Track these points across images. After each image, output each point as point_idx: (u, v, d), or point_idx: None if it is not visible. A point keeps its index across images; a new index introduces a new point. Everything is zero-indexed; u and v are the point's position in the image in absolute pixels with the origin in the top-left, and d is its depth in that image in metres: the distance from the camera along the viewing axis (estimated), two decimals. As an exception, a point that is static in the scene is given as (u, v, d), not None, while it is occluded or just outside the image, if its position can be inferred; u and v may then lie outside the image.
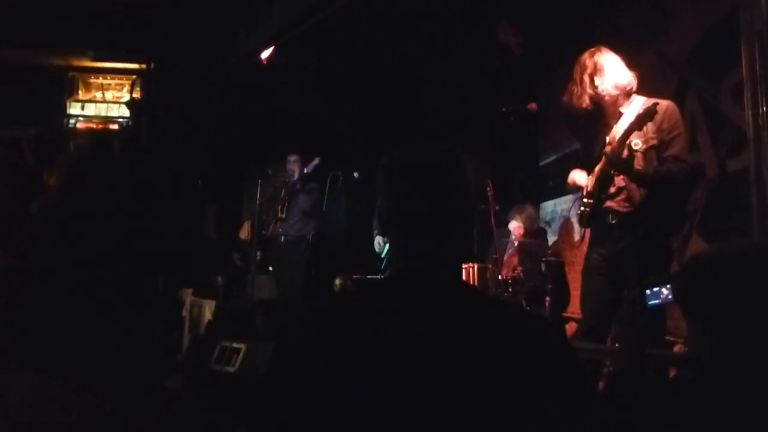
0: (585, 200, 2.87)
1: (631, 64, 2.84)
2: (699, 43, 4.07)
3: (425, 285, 1.06)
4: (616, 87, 2.77)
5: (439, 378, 0.95)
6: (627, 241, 2.71)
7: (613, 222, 2.76)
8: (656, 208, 2.70)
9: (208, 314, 5.31)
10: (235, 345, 3.59)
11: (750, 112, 2.46)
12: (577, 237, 2.99)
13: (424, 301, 1.03)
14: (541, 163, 6.15)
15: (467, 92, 5.13)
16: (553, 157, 5.87)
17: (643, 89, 2.90)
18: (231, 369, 3.49)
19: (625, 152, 2.70)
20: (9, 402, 0.67)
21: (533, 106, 3.38)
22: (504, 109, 3.50)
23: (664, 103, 2.76)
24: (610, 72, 2.77)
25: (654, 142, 2.71)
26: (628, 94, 2.79)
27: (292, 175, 5.42)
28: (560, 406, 0.96)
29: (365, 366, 0.97)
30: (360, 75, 5.50)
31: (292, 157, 5.44)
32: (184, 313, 5.47)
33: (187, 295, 5.56)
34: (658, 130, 2.72)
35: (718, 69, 3.78)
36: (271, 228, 5.45)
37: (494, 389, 0.94)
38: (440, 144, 1.16)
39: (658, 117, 2.71)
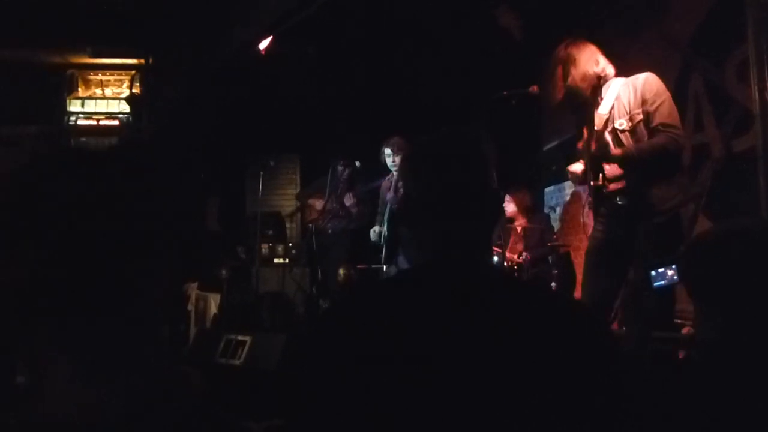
0: (586, 188, 2.87)
1: (632, 46, 2.80)
2: (702, 22, 4.02)
3: (463, 271, 1.06)
4: (584, 79, 2.73)
5: (490, 365, 0.93)
6: (634, 222, 2.65)
7: (620, 204, 2.72)
8: (657, 186, 2.64)
9: (213, 308, 5.32)
10: (240, 338, 3.59)
11: (756, 88, 2.42)
12: (586, 220, 2.96)
13: (465, 288, 1.02)
14: (544, 149, 6.11)
15: (468, 78, 5.08)
16: (556, 143, 5.83)
17: (646, 70, 2.83)
18: (237, 362, 3.49)
19: (593, 142, 2.67)
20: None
21: (535, 88, 3.32)
22: (505, 93, 3.44)
23: (641, 76, 2.71)
24: (580, 64, 2.74)
25: (640, 117, 2.66)
26: (600, 80, 2.76)
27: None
28: (602, 394, 0.95)
29: (414, 356, 0.95)
30: (359, 63, 5.46)
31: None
32: (190, 307, 5.48)
33: (192, 289, 5.57)
34: (642, 103, 2.66)
35: (721, 48, 3.74)
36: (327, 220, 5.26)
37: (541, 377, 0.93)
38: (461, 128, 1.17)
39: (638, 91, 2.67)
